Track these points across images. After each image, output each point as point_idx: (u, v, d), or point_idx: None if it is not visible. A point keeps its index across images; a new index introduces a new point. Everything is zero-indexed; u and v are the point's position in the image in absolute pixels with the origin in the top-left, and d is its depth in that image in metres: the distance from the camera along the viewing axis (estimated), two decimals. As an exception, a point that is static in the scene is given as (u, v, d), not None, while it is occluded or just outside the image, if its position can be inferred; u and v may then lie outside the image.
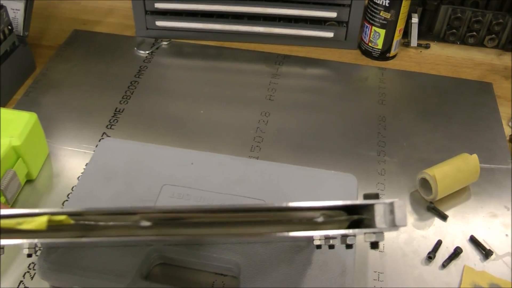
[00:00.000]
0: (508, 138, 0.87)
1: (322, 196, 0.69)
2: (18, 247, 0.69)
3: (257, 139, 0.85)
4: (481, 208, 0.77)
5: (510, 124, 0.90)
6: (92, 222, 0.42)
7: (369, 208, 0.43)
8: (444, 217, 0.75)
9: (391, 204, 0.42)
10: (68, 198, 0.76)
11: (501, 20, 1.03)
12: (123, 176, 0.71)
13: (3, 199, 0.71)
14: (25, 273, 0.67)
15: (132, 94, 0.93)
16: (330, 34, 1.03)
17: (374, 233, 0.43)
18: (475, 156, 0.77)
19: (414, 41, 1.06)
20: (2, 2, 0.90)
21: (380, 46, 1.01)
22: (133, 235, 0.43)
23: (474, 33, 1.06)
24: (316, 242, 0.57)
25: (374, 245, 0.43)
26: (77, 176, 0.79)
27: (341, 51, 1.06)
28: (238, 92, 0.95)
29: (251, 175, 0.71)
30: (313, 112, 0.91)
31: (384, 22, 0.97)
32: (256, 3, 1.01)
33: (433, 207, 0.76)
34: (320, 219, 0.44)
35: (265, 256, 0.63)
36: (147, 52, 1.03)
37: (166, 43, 1.06)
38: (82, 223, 0.43)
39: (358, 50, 1.06)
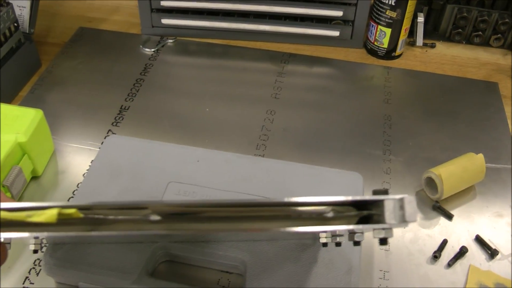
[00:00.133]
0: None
1: (328, 194, 0.69)
2: (24, 242, 0.69)
3: (262, 137, 0.85)
4: (487, 207, 0.77)
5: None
6: (102, 216, 0.42)
7: (378, 204, 0.43)
8: (449, 217, 0.75)
9: (401, 200, 0.42)
10: (74, 194, 0.76)
11: (507, 20, 1.02)
12: (129, 173, 0.71)
13: (8, 195, 0.71)
14: (30, 269, 0.67)
15: (137, 91, 0.93)
16: (336, 33, 1.03)
17: (383, 229, 0.43)
18: (481, 155, 0.77)
19: (419, 40, 1.06)
20: (8, -1, 0.90)
21: (385, 45, 1.01)
22: (143, 229, 0.43)
23: (480, 32, 1.06)
24: (322, 240, 0.57)
25: (383, 241, 0.43)
26: (83, 173, 0.79)
27: (347, 50, 1.06)
28: (244, 90, 0.95)
29: (257, 173, 0.71)
30: (318, 110, 0.91)
31: (390, 21, 0.97)
32: (263, 2, 1.01)
33: (438, 206, 0.75)
34: (330, 214, 0.43)
35: (271, 254, 0.63)
36: (153, 50, 1.03)
37: (171, 41, 1.06)
38: (91, 216, 0.42)
39: (364, 49, 1.06)
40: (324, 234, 0.57)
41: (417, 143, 0.86)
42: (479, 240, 0.72)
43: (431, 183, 0.77)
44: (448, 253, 0.71)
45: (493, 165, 0.82)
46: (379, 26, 0.99)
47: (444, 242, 0.71)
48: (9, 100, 0.91)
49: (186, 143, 0.76)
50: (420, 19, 1.04)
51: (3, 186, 0.70)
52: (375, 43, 1.02)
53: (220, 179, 0.70)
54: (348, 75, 0.99)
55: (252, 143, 0.85)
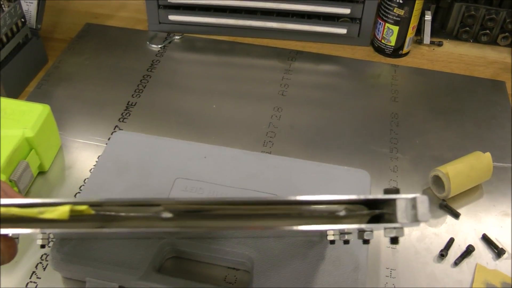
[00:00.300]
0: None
1: (335, 192, 0.69)
2: (31, 237, 0.69)
3: (269, 134, 0.85)
4: (494, 206, 0.76)
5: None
6: (113, 213, 0.42)
7: (390, 203, 0.43)
8: (456, 215, 0.75)
9: (414, 199, 0.41)
10: (80, 190, 0.76)
11: (515, 19, 1.02)
12: (136, 169, 0.71)
13: (15, 190, 0.71)
14: (37, 264, 0.67)
15: (144, 88, 0.93)
16: (343, 31, 1.03)
17: (394, 228, 0.42)
18: (488, 154, 0.76)
19: (427, 38, 1.05)
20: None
21: (393, 43, 1.01)
22: (154, 227, 0.43)
23: (487, 31, 1.05)
24: (330, 238, 0.57)
25: (394, 240, 0.43)
26: (89, 169, 0.79)
27: (354, 48, 1.06)
28: (251, 87, 0.95)
29: (264, 170, 0.71)
30: (325, 108, 0.91)
31: (398, 19, 0.97)
32: (270, -1, 1.01)
33: (445, 205, 0.75)
34: (342, 213, 0.43)
35: (278, 251, 0.63)
36: (160, 46, 1.03)
37: (178, 37, 1.06)
38: (103, 213, 0.42)
39: (371, 46, 1.06)
40: (332, 232, 0.57)
41: (424, 141, 0.86)
42: (486, 239, 0.72)
43: (438, 182, 0.76)
44: (455, 251, 0.70)
45: (500, 164, 0.82)
46: (387, 24, 0.99)
47: (451, 241, 0.71)
48: (15, 95, 0.91)
49: (192, 140, 0.76)
50: (428, 17, 1.04)
51: (10, 181, 0.70)
52: (383, 41, 1.02)
53: (227, 175, 0.70)
54: (355, 73, 0.99)
55: (259, 140, 0.84)
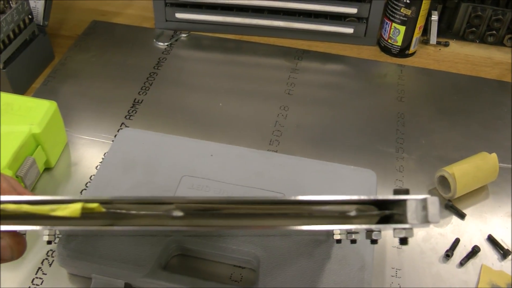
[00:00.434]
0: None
1: (342, 191, 0.69)
2: (38, 233, 0.69)
3: (276, 133, 0.85)
4: (499, 207, 0.76)
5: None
6: (123, 211, 0.42)
7: (400, 204, 0.43)
8: (462, 216, 0.75)
9: (424, 200, 0.41)
10: (86, 187, 0.76)
11: (522, 20, 1.02)
12: (142, 166, 0.71)
13: (22, 186, 0.71)
14: (43, 260, 0.67)
15: (151, 85, 0.93)
16: (350, 30, 1.03)
17: (404, 229, 0.42)
18: (494, 155, 0.76)
19: (433, 38, 1.05)
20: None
21: (399, 43, 1.01)
22: (164, 225, 0.43)
23: (494, 32, 1.05)
24: (337, 237, 0.57)
25: (403, 241, 0.43)
26: (95, 166, 0.79)
27: (360, 47, 1.06)
28: (257, 85, 0.95)
29: (270, 168, 0.71)
30: (331, 107, 0.91)
31: (405, 19, 0.97)
32: (277, -3, 1.01)
33: (451, 205, 0.75)
34: (353, 213, 0.43)
35: (284, 249, 0.63)
36: (166, 44, 1.03)
37: (185, 35, 1.06)
38: (113, 211, 0.42)
39: (377, 46, 1.06)
40: (338, 231, 0.56)
41: (430, 141, 0.85)
42: (491, 240, 0.72)
43: (444, 182, 0.76)
44: (460, 252, 0.70)
45: (506, 165, 0.82)
46: (393, 24, 0.99)
47: (457, 241, 0.71)
48: (22, 91, 0.91)
49: (199, 137, 0.76)
50: (434, 17, 1.03)
51: (16, 177, 0.70)
52: (389, 41, 1.02)
53: (234, 173, 0.70)
54: (362, 73, 0.99)
55: (265, 139, 0.84)
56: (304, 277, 0.61)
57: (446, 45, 1.07)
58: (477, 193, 0.78)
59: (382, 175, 0.79)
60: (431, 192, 0.78)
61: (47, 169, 0.78)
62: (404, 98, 0.93)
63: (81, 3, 1.15)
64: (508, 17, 1.02)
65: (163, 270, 0.62)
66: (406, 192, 0.43)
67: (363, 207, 0.44)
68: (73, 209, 0.41)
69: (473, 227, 0.73)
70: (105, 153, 0.80)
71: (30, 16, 0.90)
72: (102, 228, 0.43)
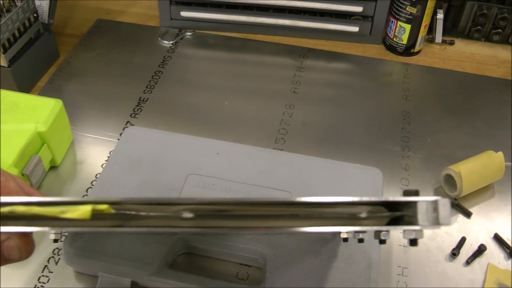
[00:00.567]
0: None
1: (348, 189, 0.69)
2: (44, 231, 0.69)
3: (281, 131, 0.85)
4: (505, 206, 0.76)
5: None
6: (133, 212, 0.42)
7: (410, 205, 0.43)
8: (468, 214, 0.75)
9: (435, 202, 0.41)
10: (92, 185, 0.76)
11: (527, 18, 1.02)
12: (148, 165, 0.71)
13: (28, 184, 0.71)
14: (49, 258, 0.67)
15: (156, 83, 0.93)
16: (355, 29, 1.02)
17: (414, 230, 0.42)
18: (500, 153, 0.76)
19: (438, 37, 1.05)
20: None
21: (405, 42, 1.01)
22: (173, 226, 0.42)
23: (500, 30, 1.05)
24: (344, 235, 0.57)
25: (413, 242, 0.43)
26: (101, 164, 0.79)
27: (365, 46, 1.05)
28: (263, 84, 0.95)
29: (276, 167, 0.71)
30: (337, 105, 0.91)
31: (410, 17, 0.97)
32: (282, -4, 1.01)
33: (457, 204, 0.75)
34: (364, 215, 0.43)
35: (291, 248, 0.63)
36: (171, 42, 1.03)
37: (190, 33, 1.06)
38: (123, 212, 0.42)
39: (383, 45, 1.06)
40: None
41: (436, 140, 0.85)
42: (497, 238, 0.72)
43: (450, 180, 0.76)
44: (467, 251, 0.70)
45: (512, 163, 0.82)
46: (399, 22, 0.99)
47: (463, 240, 0.71)
48: (27, 90, 0.91)
49: (204, 136, 0.76)
50: (440, 15, 1.03)
51: (22, 175, 0.70)
52: (394, 39, 1.02)
53: (240, 172, 0.70)
54: (367, 71, 0.99)
55: (271, 137, 0.84)
56: (310, 275, 0.60)
57: (452, 43, 1.07)
58: (483, 192, 0.77)
59: (388, 173, 0.79)
60: (437, 191, 0.77)
61: (53, 167, 0.78)
62: (409, 97, 0.93)
63: (86, 1, 1.15)
64: (514, 16, 1.02)
65: (170, 268, 0.62)
66: (416, 193, 0.42)
67: (374, 208, 0.43)
68: (83, 211, 0.41)
69: (479, 226, 0.73)
70: (110, 152, 0.80)
71: (35, 15, 0.90)
72: (111, 230, 0.42)
